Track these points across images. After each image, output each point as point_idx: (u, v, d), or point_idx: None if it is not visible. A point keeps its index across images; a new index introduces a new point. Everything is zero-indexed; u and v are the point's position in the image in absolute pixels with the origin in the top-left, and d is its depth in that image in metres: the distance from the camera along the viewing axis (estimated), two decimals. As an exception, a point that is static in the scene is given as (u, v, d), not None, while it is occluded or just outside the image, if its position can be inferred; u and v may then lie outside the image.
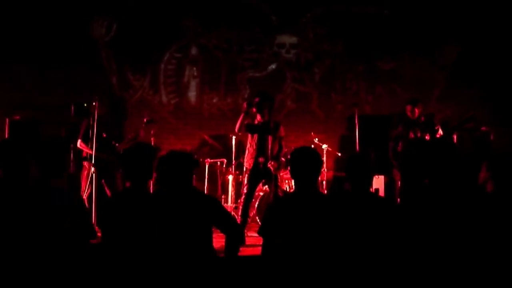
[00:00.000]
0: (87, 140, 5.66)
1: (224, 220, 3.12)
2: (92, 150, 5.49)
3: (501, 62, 7.61)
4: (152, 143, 6.44)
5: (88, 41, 7.41)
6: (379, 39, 7.78)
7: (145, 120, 6.20)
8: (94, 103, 5.56)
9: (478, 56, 7.66)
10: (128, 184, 3.06)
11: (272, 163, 5.51)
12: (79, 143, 5.78)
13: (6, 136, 6.31)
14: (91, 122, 5.56)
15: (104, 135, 5.81)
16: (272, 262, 2.85)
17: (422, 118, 6.24)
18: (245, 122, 5.62)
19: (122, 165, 3.23)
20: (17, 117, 6.58)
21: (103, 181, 5.67)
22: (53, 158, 2.85)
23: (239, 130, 5.62)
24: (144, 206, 2.93)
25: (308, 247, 2.78)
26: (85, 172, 5.72)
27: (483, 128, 6.43)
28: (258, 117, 5.54)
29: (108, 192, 5.68)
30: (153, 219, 2.87)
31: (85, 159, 5.75)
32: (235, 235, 3.18)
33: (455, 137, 6.15)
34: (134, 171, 3.02)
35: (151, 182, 6.12)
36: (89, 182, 5.51)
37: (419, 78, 7.91)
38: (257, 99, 5.53)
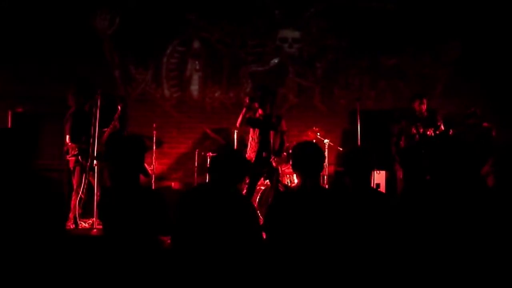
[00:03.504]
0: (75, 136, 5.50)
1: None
2: (92, 143, 5.34)
3: (504, 58, 7.57)
4: (154, 137, 6.44)
5: (90, 34, 7.42)
6: (382, 34, 7.75)
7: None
8: (96, 96, 5.48)
9: (481, 52, 7.63)
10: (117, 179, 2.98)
11: (275, 159, 5.52)
12: (67, 138, 5.54)
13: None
14: (93, 112, 5.40)
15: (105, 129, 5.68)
16: (275, 257, 2.85)
17: (425, 114, 6.24)
18: (247, 116, 5.62)
19: (109, 160, 3.16)
20: (20, 109, 6.59)
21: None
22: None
23: (241, 124, 5.62)
24: (134, 201, 2.87)
25: (310, 242, 2.78)
26: (78, 168, 5.51)
27: (485, 124, 6.40)
28: (260, 111, 5.53)
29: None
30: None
31: (75, 155, 5.49)
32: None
33: (450, 131, 6.12)
34: (122, 165, 2.95)
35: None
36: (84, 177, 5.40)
37: (422, 73, 7.88)
38: (259, 93, 5.53)
